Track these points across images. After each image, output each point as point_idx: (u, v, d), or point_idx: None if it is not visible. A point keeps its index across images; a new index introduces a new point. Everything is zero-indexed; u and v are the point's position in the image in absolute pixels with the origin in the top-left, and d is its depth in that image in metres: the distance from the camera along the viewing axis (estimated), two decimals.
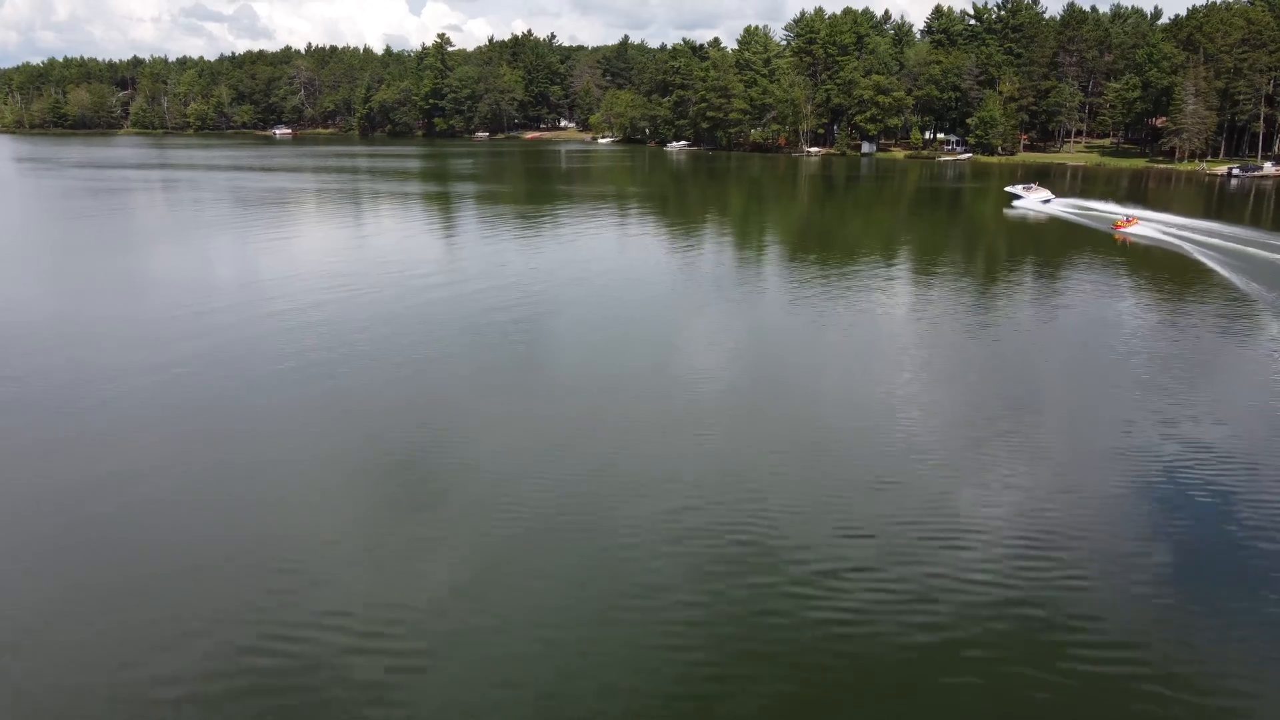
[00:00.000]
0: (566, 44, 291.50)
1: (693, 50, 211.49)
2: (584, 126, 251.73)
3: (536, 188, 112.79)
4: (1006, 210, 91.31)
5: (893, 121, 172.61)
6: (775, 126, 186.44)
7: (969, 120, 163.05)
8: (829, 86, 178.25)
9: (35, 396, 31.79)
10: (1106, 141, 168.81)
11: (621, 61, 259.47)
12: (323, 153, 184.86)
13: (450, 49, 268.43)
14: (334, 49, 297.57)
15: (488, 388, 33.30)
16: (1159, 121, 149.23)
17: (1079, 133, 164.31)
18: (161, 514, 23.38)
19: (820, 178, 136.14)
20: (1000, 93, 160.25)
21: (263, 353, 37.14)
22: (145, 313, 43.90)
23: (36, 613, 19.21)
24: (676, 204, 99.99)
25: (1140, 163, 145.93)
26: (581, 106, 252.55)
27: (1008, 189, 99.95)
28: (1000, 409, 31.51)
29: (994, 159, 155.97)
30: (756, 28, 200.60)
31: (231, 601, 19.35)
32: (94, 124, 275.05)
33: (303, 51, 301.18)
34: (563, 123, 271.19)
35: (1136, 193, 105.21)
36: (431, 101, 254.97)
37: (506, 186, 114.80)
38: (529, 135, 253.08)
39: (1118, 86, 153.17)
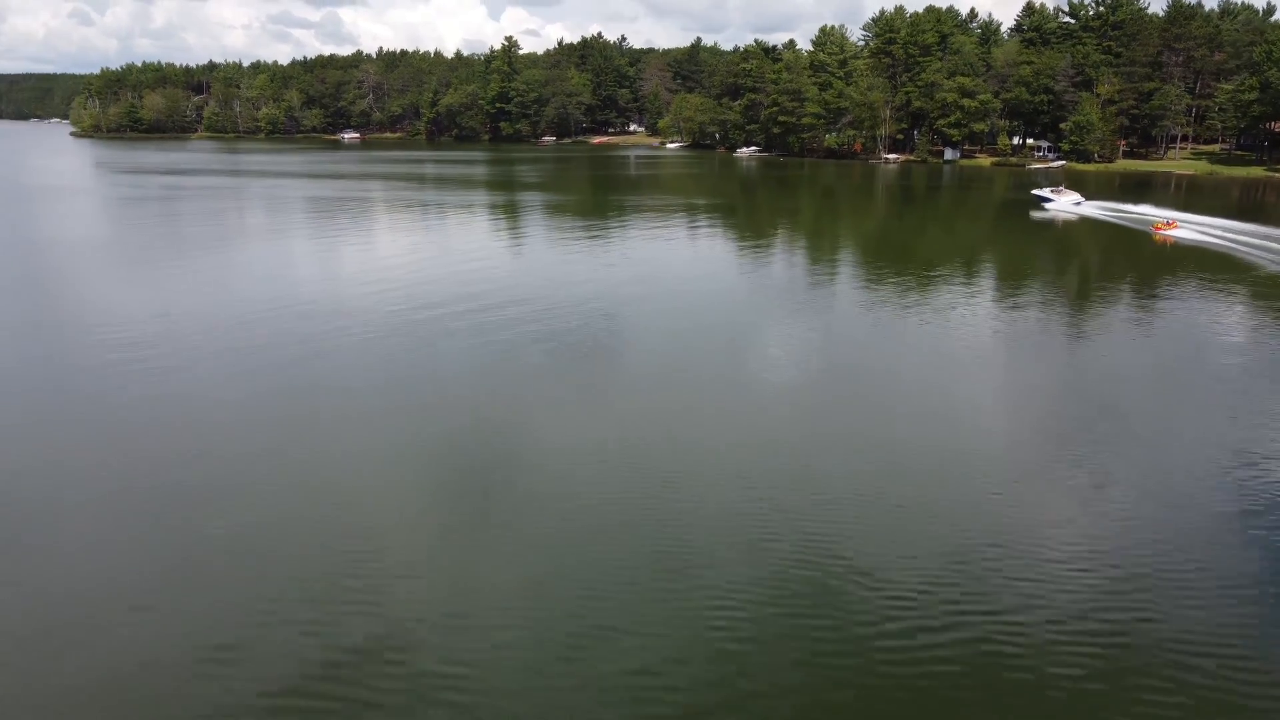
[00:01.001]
0: (637, 47, 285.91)
1: (765, 52, 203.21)
2: (652, 131, 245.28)
3: (603, 198, 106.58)
4: (1034, 213, 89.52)
5: (978, 126, 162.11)
6: (850, 132, 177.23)
7: (1062, 125, 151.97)
8: (909, 89, 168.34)
9: (138, 380, 33.20)
10: (1215, 148, 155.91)
11: (692, 64, 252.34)
12: (389, 158, 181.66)
13: (520, 52, 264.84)
14: (404, 53, 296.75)
15: (555, 388, 33.16)
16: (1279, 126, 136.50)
17: (1184, 138, 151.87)
18: (242, 495, 23.97)
19: (898, 187, 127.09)
20: (1097, 95, 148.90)
21: (344, 348, 37.87)
22: (248, 310, 44.88)
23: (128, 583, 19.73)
24: (745, 215, 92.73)
25: (1257, 171, 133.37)
26: (650, 110, 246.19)
27: (1034, 192, 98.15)
28: (1084, 424, 29.72)
29: (1089, 167, 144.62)
30: (832, 27, 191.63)
31: (296, 586, 19.59)
32: (168, 128, 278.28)
33: (374, 56, 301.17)
34: (631, 127, 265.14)
35: (1252, 207, 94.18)
36: (498, 105, 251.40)
37: (573, 196, 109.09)
38: (596, 140, 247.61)
39: (1230, 88, 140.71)
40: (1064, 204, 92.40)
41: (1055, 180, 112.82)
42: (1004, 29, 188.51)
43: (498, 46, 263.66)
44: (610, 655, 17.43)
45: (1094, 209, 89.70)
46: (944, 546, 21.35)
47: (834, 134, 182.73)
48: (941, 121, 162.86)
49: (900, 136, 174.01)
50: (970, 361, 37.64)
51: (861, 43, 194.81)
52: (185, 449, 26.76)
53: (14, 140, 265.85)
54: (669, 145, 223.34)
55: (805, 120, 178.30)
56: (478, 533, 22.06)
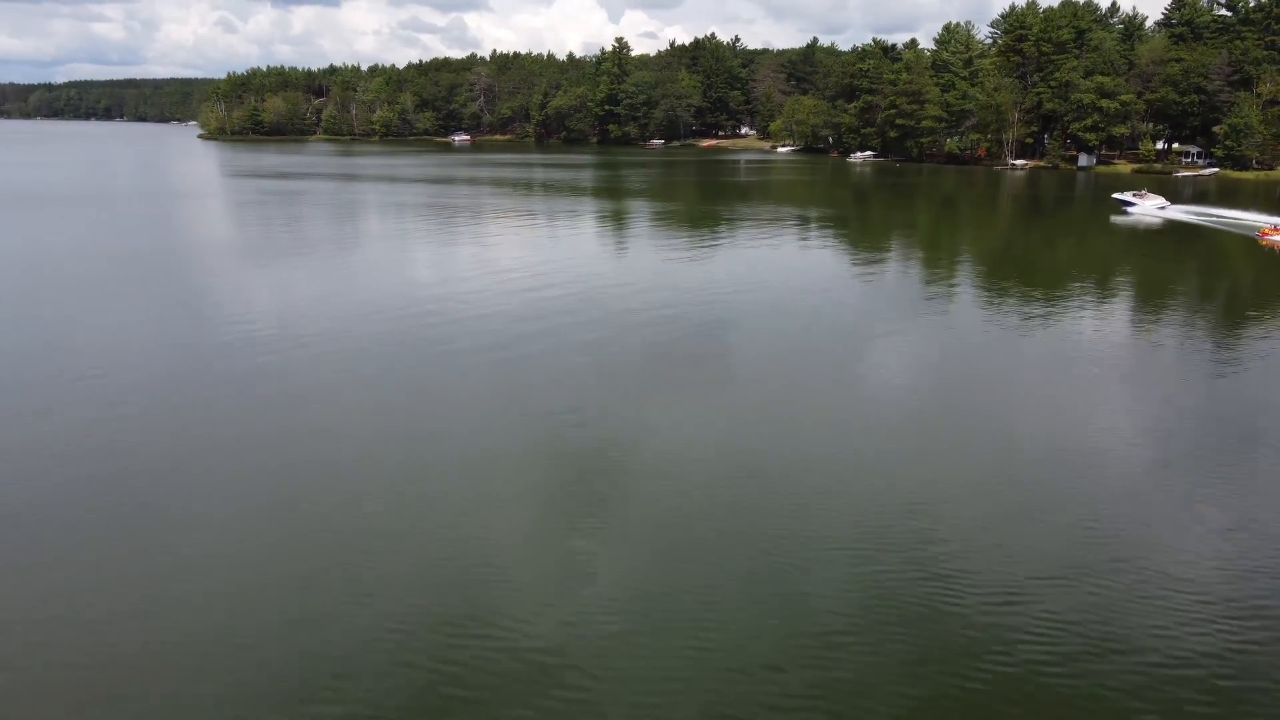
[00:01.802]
0: (751, 48, 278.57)
1: (884, 51, 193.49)
2: (763, 134, 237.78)
3: (711, 207, 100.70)
4: (1114, 218, 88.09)
5: (1118, 130, 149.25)
6: (974, 136, 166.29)
7: (1215, 129, 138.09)
8: (1041, 89, 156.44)
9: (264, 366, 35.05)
10: None
11: (807, 65, 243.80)
12: (498, 161, 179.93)
13: (632, 54, 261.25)
14: (516, 55, 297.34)
15: (661, 391, 32.92)
16: None
17: None
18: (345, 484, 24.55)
19: (1026, 196, 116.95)
20: (1258, 95, 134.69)
21: (458, 346, 38.37)
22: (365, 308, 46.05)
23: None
24: (858, 227, 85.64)
25: None
26: (762, 113, 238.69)
27: (1115, 196, 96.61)
28: (1221, 451, 27.79)
29: (1247, 174, 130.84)
30: (957, 24, 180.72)
31: (392, 581, 19.67)
32: (287, 130, 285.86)
33: (487, 59, 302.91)
34: (742, 130, 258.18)
35: None
36: (606, 108, 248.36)
37: (680, 204, 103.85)
38: (705, 143, 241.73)
39: None
40: (1148, 208, 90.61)
41: (1203, 189, 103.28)
42: (1149, 23, 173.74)
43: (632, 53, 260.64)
44: (712, 658, 17.26)
45: (1181, 213, 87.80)
46: (1053, 566, 20.54)
47: (956, 138, 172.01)
48: (1076, 125, 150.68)
49: (1029, 141, 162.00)
50: (1089, 380, 35.46)
51: (989, 40, 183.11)
52: (304, 432, 28.05)
53: (146, 142, 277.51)
54: (780, 149, 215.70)
55: (925, 123, 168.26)
56: (586, 531, 22.09)
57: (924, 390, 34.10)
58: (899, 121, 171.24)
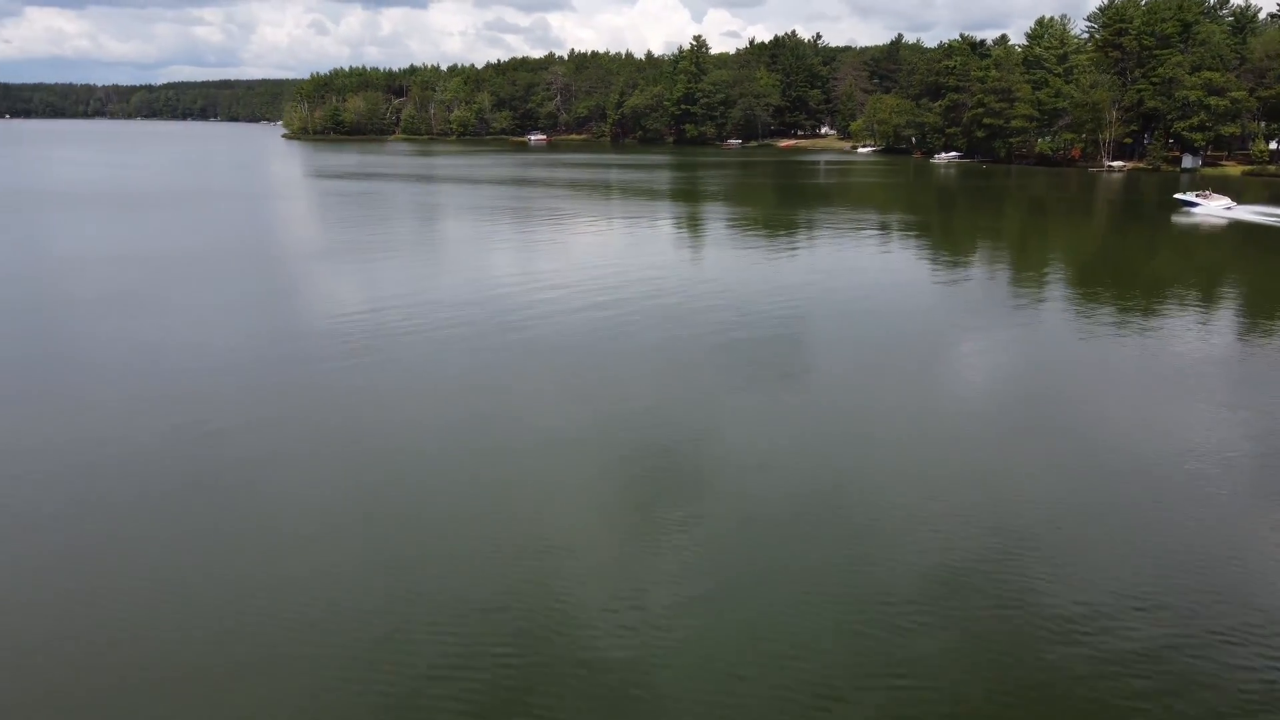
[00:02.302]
0: (834, 45, 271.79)
1: (972, 47, 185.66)
2: (843, 134, 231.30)
3: (789, 212, 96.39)
4: (1175, 218, 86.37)
5: (1227, 130, 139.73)
6: (1068, 136, 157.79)
7: None
8: (1141, 86, 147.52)
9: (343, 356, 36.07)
10: None
11: (891, 62, 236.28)
12: (574, 162, 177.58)
13: (711, 52, 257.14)
14: (593, 54, 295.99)
15: (736, 392, 32.48)
16: None
17: None
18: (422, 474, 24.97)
19: (1123, 201, 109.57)
20: None
21: (537, 341, 38.81)
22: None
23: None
24: (942, 234, 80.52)
25: None
26: (842, 112, 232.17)
27: (1177, 195, 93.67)
28: None
29: None
30: (1051, 19, 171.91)
31: (470, 577, 19.51)
32: (367, 129, 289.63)
33: (565, 58, 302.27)
34: (822, 129, 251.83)
35: None
36: (683, 107, 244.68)
37: (758, 209, 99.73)
38: (783, 143, 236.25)
39: None
40: (1212, 209, 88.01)
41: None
42: (1263, 15, 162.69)
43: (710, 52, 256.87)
44: (784, 670, 16.74)
45: (1249, 214, 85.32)
46: (1142, 595, 19.27)
47: (1047, 138, 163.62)
48: (1180, 124, 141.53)
49: (1128, 141, 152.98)
50: (1180, 395, 33.41)
51: (1085, 35, 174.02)
52: (386, 421, 28.65)
53: (231, 142, 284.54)
54: (860, 149, 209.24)
55: (1015, 123, 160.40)
56: (658, 527, 21.92)
57: (1006, 400, 32.98)
58: (987, 121, 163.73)
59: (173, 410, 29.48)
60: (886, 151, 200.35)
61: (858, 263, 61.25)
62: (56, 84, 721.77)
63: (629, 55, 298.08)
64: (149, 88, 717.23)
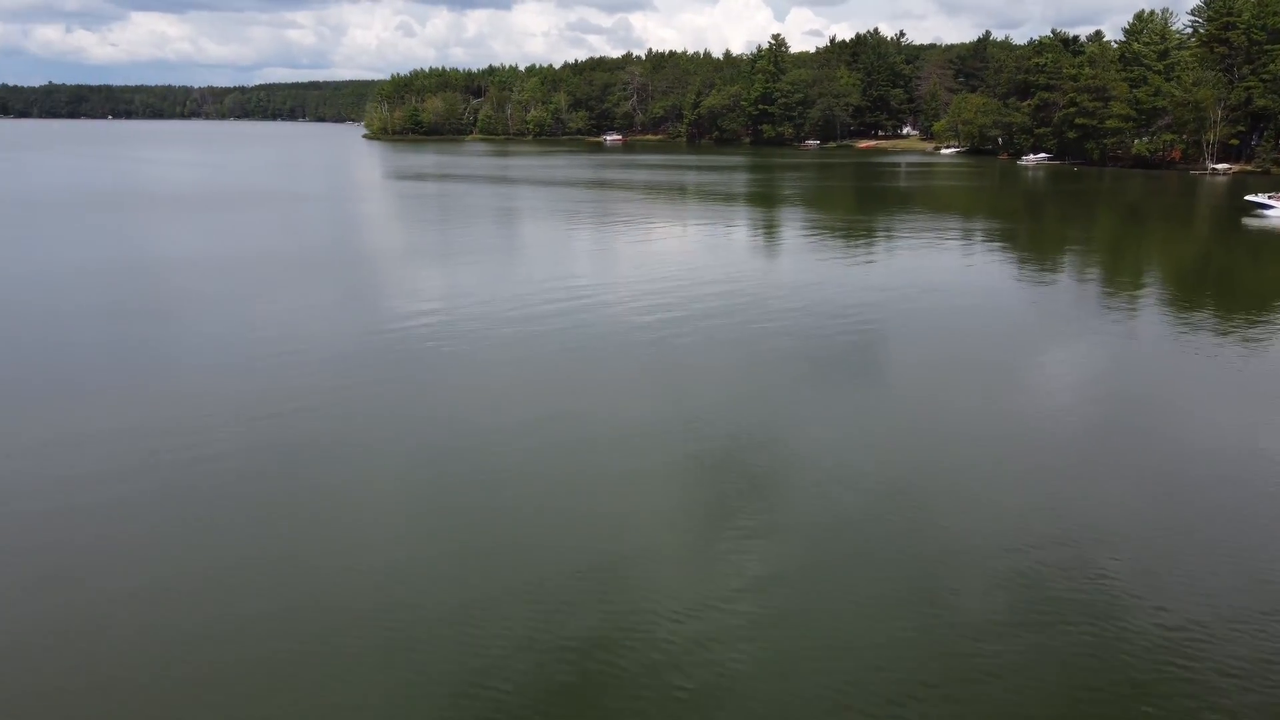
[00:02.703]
0: (917, 43, 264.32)
1: (1064, 44, 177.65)
2: (926, 134, 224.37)
3: (868, 219, 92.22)
4: (1245, 220, 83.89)
5: None
6: (1168, 137, 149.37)
7: None
8: (1250, 84, 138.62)
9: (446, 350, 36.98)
10: None
11: (978, 60, 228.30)
12: (650, 163, 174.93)
13: (791, 51, 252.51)
14: (671, 54, 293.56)
15: (813, 395, 32.09)
16: None
17: None
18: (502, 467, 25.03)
19: (1227, 208, 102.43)
20: None
21: (614, 342, 38.69)
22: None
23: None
24: (1030, 243, 75.72)
25: None
26: (925, 112, 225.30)
27: (1249, 198, 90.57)
28: None
29: None
30: (1151, 13, 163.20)
31: (542, 576, 19.37)
32: (445, 130, 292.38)
33: (643, 57, 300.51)
34: (904, 130, 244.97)
35: None
36: (760, 107, 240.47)
37: (836, 214, 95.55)
38: (862, 144, 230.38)
39: None
40: None
41: None
42: None
43: (790, 51, 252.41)
44: (855, 677, 16.23)
45: None
46: (1236, 613, 17.98)
47: (1145, 139, 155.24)
48: None
49: (1234, 142, 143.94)
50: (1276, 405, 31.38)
51: (1188, 30, 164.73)
52: (466, 415, 29.14)
53: (312, 142, 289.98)
54: (943, 151, 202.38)
55: (1110, 123, 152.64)
56: (726, 533, 21.58)
57: (1090, 407, 31.52)
58: (1079, 121, 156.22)
59: (255, 403, 29.97)
60: (971, 153, 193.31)
61: (937, 269, 58.49)
62: (156, 86, 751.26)
63: (707, 54, 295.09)
64: (241, 89, 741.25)
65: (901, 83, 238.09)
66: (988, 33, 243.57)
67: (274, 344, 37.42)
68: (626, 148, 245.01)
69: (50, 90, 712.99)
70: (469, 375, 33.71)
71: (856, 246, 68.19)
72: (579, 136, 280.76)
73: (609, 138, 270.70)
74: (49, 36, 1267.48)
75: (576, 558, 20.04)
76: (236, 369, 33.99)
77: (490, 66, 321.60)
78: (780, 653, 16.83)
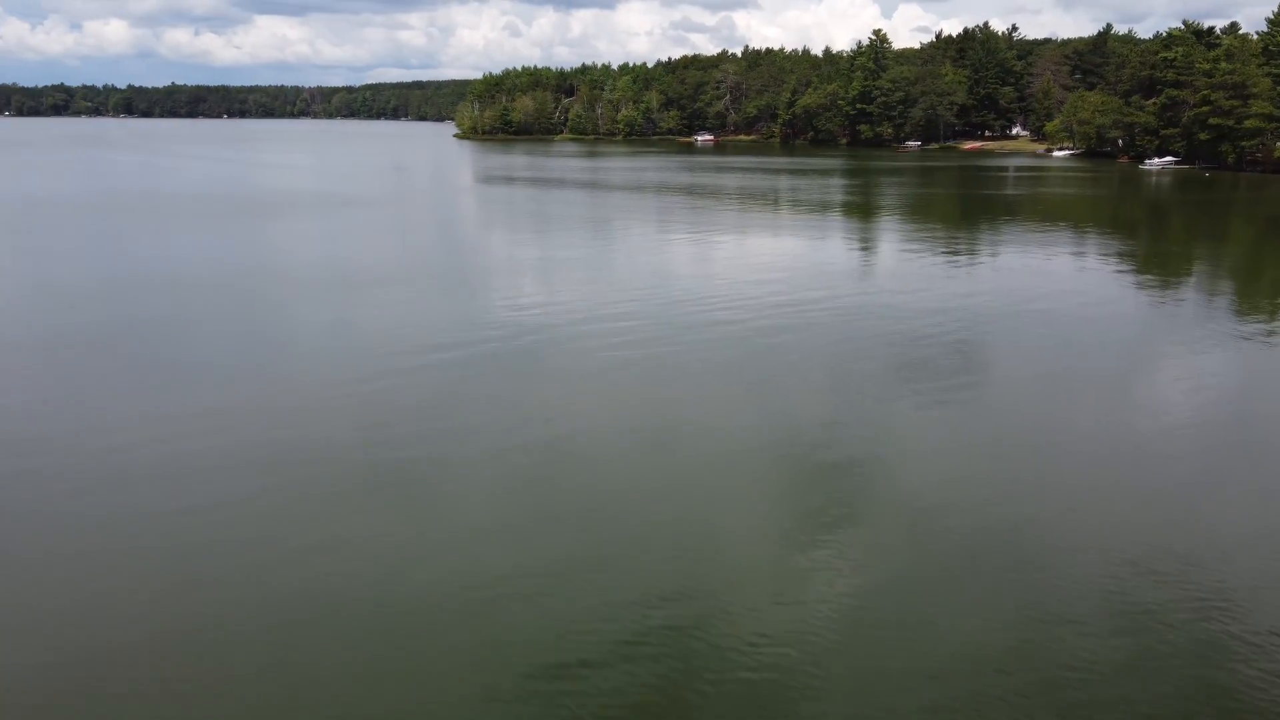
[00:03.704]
0: (1030, 38, 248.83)
1: (1196, 36, 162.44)
2: (1037, 135, 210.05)
3: (969, 233, 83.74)
4: None
5: None
6: None
7: None
8: None
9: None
10: None
11: (1097, 56, 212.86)
12: (742, 166, 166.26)
13: (893, 47, 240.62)
14: (768, 51, 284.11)
15: (912, 404, 30.95)
16: None
17: None
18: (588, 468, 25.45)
19: None
20: None
21: (706, 352, 37.65)
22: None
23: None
24: (1150, 257, 66.08)
25: None
26: (1037, 111, 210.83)
27: None
28: None
29: None
30: None
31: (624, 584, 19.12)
32: (535, 130, 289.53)
33: (739, 55, 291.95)
34: (1013, 130, 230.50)
35: None
36: (859, 106, 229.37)
37: (938, 223, 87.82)
38: (967, 145, 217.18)
39: None
40: None
41: None
42: None
43: (893, 47, 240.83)
44: (947, 687, 15.91)
45: None
46: None
47: None
48: None
49: None
50: None
51: None
52: (561, 412, 29.40)
53: (402, 142, 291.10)
54: (1056, 153, 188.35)
55: (1249, 123, 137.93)
56: (819, 544, 21.00)
57: (1207, 425, 29.81)
58: (1213, 121, 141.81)
59: (357, 404, 30.33)
60: (1087, 155, 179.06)
61: (1047, 282, 53.96)
62: (269, 86, 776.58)
63: (805, 51, 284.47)
64: (349, 89, 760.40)
65: (1012, 80, 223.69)
66: (1108, 26, 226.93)
67: (375, 346, 37.81)
68: (718, 148, 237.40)
69: (172, 91, 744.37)
70: (567, 384, 33.25)
71: (958, 261, 62.59)
72: (670, 136, 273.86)
73: (700, 138, 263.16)
74: (178, 40, 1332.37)
75: (665, 566, 19.81)
76: (337, 368, 34.55)
77: (583, 65, 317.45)
78: (872, 668, 16.46)
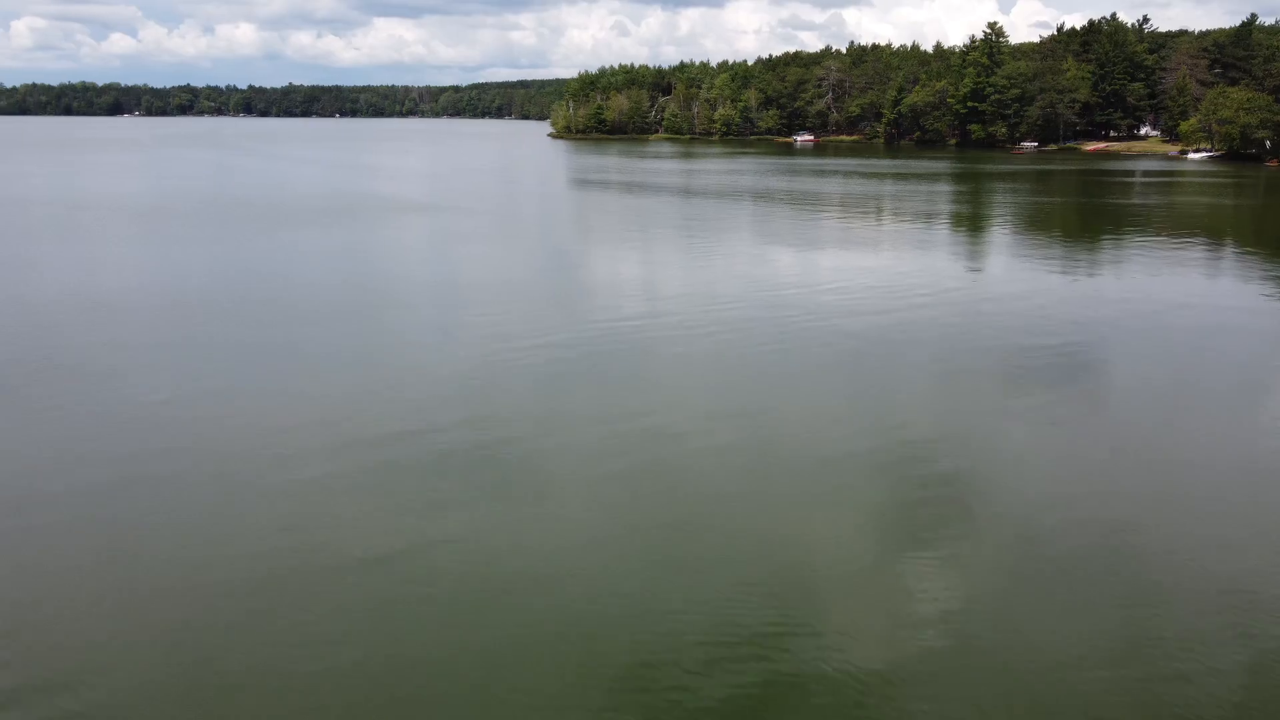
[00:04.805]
0: (1163, 30, 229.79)
1: None
2: (1170, 135, 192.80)
3: (1087, 251, 73.78)
4: None
5: None
6: None
7: None
8: None
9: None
10: None
11: (1240, 48, 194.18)
12: (844, 169, 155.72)
13: (1012, 42, 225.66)
14: (874, 47, 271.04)
15: (1024, 416, 29.79)
16: None
17: None
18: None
19: None
20: None
21: (808, 360, 36.45)
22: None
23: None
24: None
25: None
26: (1170, 109, 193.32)
27: None
28: None
29: None
30: None
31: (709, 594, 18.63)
32: (629, 129, 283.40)
33: (843, 51, 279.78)
34: (1141, 130, 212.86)
35: None
36: (970, 105, 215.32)
37: (1057, 233, 78.28)
38: (1090, 147, 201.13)
39: None
40: None
41: None
42: None
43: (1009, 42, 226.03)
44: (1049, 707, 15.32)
45: None
46: None
47: None
48: None
49: None
50: None
51: None
52: (654, 410, 29.42)
53: (499, 141, 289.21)
54: (1191, 155, 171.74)
55: None
56: (917, 562, 20.26)
57: None
58: None
59: (461, 399, 30.76)
60: (1227, 158, 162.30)
61: (1168, 300, 49.20)
62: (379, 86, 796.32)
63: (914, 47, 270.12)
64: (455, 88, 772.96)
65: (1142, 75, 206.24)
66: (1253, 16, 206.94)
67: (477, 346, 38.03)
68: (818, 149, 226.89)
69: (288, 91, 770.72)
70: (662, 383, 33.35)
71: (1075, 270, 58.86)
72: (768, 137, 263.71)
73: (800, 138, 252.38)
74: (302, 42, 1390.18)
75: (759, 568, 19.53)
76: (443, 364, 35.13)
77: (681, 63, 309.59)
78: (966, 688, 15.84)
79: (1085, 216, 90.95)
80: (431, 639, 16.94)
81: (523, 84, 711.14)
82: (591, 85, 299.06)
